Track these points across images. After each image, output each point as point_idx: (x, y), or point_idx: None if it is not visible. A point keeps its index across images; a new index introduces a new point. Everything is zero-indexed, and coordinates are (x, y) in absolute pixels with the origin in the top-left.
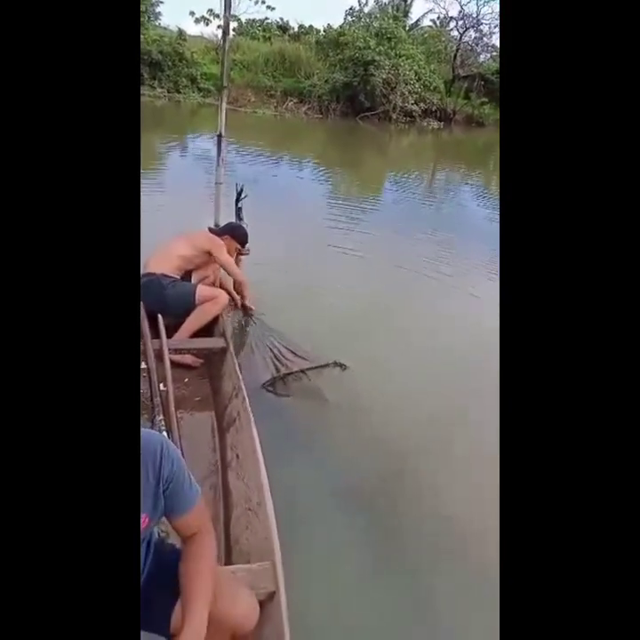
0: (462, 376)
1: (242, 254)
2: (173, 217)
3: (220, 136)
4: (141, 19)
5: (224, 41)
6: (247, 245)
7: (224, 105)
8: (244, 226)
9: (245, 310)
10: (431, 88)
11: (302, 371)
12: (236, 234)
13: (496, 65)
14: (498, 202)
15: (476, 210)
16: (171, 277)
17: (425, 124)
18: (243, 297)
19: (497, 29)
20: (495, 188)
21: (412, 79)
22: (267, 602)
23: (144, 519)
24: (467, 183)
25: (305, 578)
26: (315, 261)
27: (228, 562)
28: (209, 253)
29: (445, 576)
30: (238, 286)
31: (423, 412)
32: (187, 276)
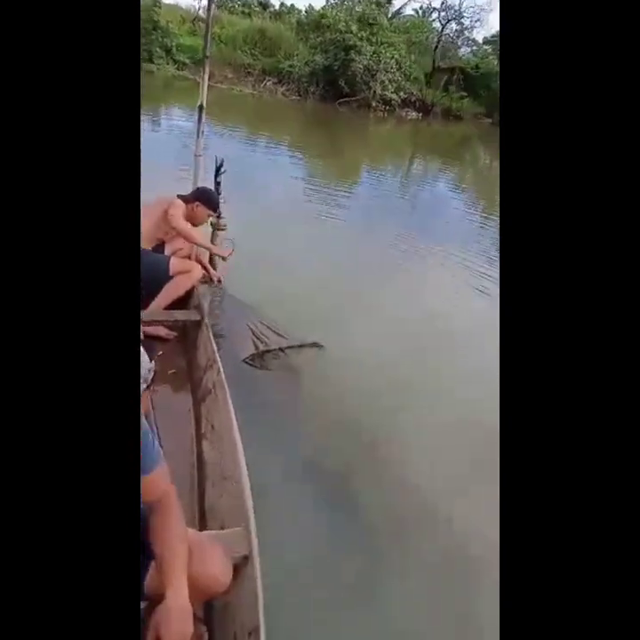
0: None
1: (218, 229)
2: (145, 193)
3: (201, 107)
4: None
5: (209, 5)
6: (224, 221)
7: (206, 75)
8: (221, 200)
9: (213, 281)
10: (411, 78)
11: (281, 349)
12: (206, 199)
13: (476, 59)
14: (469, 195)
15: (449, 203)
16: (142, 249)
17: (403, 113)
18: (209, 269)
19: (478, 24)
20: (469, 181)
21: (392, 67)
22: (241, 565)
23: None
24: (442, 176)
25: (276, 542)
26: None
27: (203, 529)
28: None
29: (406, 540)
30: (213, 259)
31: (397, 383)
32: (159, 247)
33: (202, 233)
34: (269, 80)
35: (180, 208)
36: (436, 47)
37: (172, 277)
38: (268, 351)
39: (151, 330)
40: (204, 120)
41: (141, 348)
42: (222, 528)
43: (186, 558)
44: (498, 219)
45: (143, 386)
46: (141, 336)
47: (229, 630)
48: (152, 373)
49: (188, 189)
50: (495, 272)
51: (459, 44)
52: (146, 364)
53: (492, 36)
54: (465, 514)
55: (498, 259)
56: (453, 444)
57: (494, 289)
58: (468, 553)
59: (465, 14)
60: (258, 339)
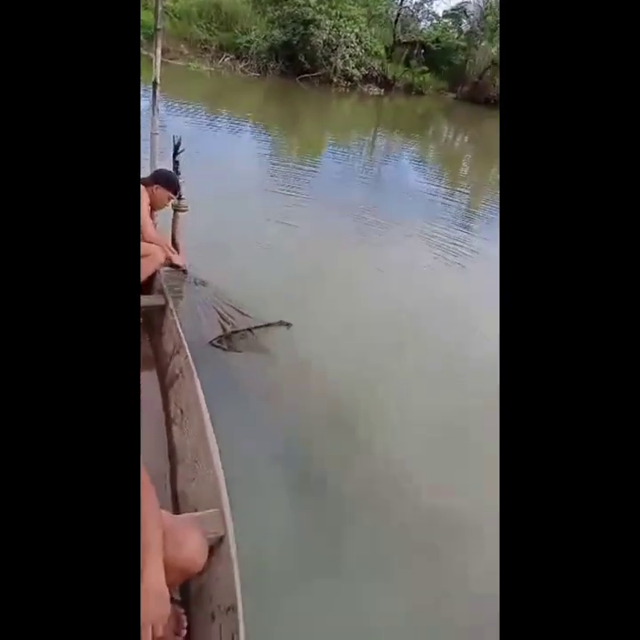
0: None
1: (179, 210)
2: None
3: (155, 83)
4: None
5: None
6: (185, 202)
7: (159, 49)
8: (180, 181)
9: (176, 268)
10: (372, 53)
11: (249, 329)
12: (166, 182)
13: (436, 33)
14: (433, 169)
15: (412, 177)
16: None
17: (365, 89)
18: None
19: None
20: (431, 156)
21: (353, 42)
22: (217, 545)
23: None
24: (405, 151)
25: (248, 523)
26: (253, 222)
27: (177, 513)
28: None
29: (375, 513)
30: (175, 242)
31: (366, 359)
32: None
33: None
34: (227, 56)
35: (144, 202)
36: (397, 20)
37: None
38: (236, 332)
39: None
40: (158, 96)
41: None
42: (196, 511)
43: (161, 541)
44: (462, 192)
45: None
46: None
47: (207, 610)
48: None
49: (145, 170)
50: (461, 244)
51: (419, 17)
52: None
53: (452, 9)
54: (441, 488)
55: (463, 230)
56: (426, 419)
57: (461, 260)
58: (443, 523)
59: None
60: (225, 320)
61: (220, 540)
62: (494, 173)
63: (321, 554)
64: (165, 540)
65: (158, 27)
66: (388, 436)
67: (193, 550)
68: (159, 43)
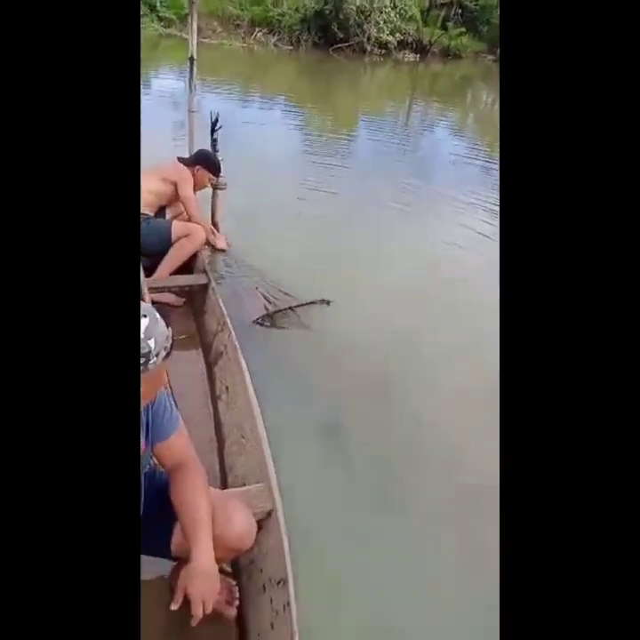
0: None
1: (218, 188)
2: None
3: (191, 59)
4: None
5: None
6: (224, 180)
7: (195, 24)
8: (219, 159)
9: (216, 250)
10: (407, 17)
11: (291, 308)
12: (207, 163)
13: None
14: (471, 138)
15: (449, 148)
16: (144, 215)
17: (400, 56)
18: (211, 237)
19: None
20: (471, 123)
21: (387, 7)
22: (265, 520)
23: (143, 445)
24: (441, 120)
25: (294, 496)
26: (289, 203)
27: (225, 489)
28: (176, 185)
29: (420, 487)
30: (215, 222)
31: (404, 340)
32: (160, 212)
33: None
34: (260, 31)
35: (189, 180)
36: None
37: (174, 242)
38: (278, 311)
39: (159, 297)
40: (195, 73)
41: (158, 316)
42: (244, 485)
43: (210, 518)
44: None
45: (163, 354)
46: (148, 303)
47: (258, 582)
48: (170, 341)
49: (184, 148)
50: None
51: None
52: (164, 331)
53: None
54: (477, 459)
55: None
56: (466, 394)
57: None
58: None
59: None
60: (267, 300)
61: (269, 514)
62: None
63: (371, 519)
64: (214, 518)
65: (193, 0)
66: (429, 406)
67: (242, 528)
68: (194, 16)
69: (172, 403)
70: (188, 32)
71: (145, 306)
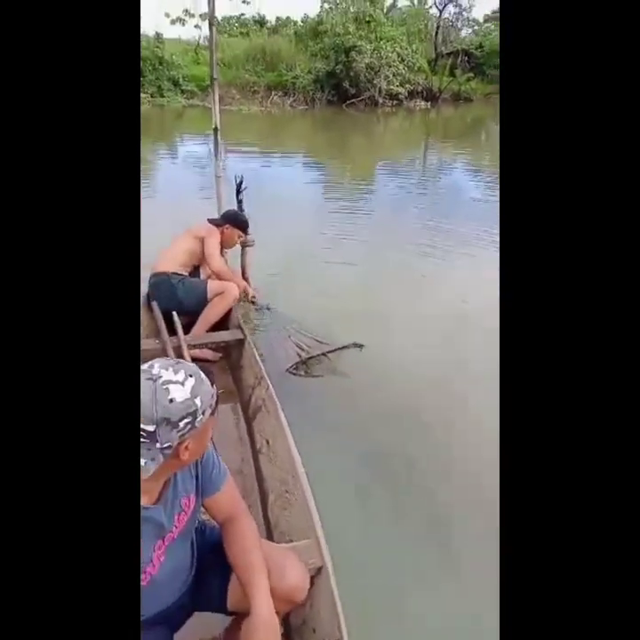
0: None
1: (247, 245)
2: (169, 219)
3: (216, 129)
4: None
5: (211, 31)
6: (252, 237)
7: (216, 96)
8: (246, 216)
9: (247, 298)
10: (415, 68)
11: (324, 353)
12: (235, 221)
13: (478, 39)
14: (489, 177)
15: (467, 187)
16: (180, 275)
17: (412, 105)
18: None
19: (476, 2)
20: (487, 162)
21: (394, 61)
22: (316, 576)
23: (192, 499)
24: (457, 161)
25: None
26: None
27: None
28: (203, 241)
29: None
30: (245, 275)
31: (438, 379)
32: (195, 271)
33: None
34: (275, 94)
35: (215, 241)
36: (437, 33)
37: (210, 300)
38: (311, 358)
39: (198, 353)
40: (220, 141)
41: (202, 375)
42: (290, 541)
43: (265, 569)
44: None
45: (208, 411)
46: (189, 359)
47: None
48: (215, 398)
49: (213, 211)
50: None
51: (459, 26)
52: (208, 389)
53: (493, 12)
54: None
55: None
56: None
57: None
58: None
59: None
60: (299, 347)
61: (319, 570)
62: None
63: (421, 569)
64: (269, 571)
65: (214, 76)
66: (471, 447)
67: (296, 578)
68: (216, 90)
69: (219, 456)
70: (211, 102)
71: (190, 366)
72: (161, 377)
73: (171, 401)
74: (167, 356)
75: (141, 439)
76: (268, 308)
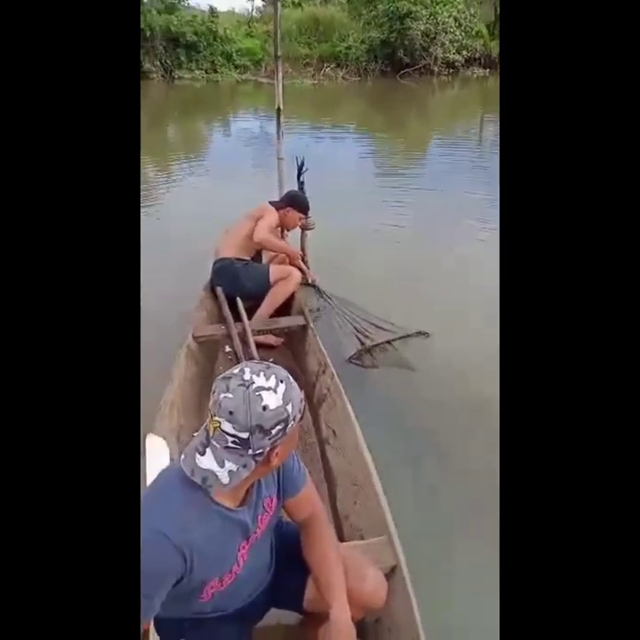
0: None
1: (307, 228)
2: (225, 199)
3: (279, 110)
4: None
5: (275, 6)
6: (312, 220)
7: (280, 75)
8: (307, 198)
9: (308, 282)
10: (473, 34)
11: (388, 341)
12: (297, 203)
13: None
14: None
15: None
16: (243, 260)
17: (469, 73)
18: (305, 270)
19: None
20: None
21: (451, 27)
22: (389, 576)
23: (274, 500)
24: None
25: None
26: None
27: (341, 539)
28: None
29: None
30: (305, 259)
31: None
32: (257, 255)
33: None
34: (328, 66)
35: (268, 218)
36: None
37: (272, 285)
38: (376, 346)
39: (261, 339)
40: (282, 122)
41: (292, 381)
42: (361, 537)
43: (343, 575)
44: None
45: (299, 416)
46: (253, 345)
47: None
48: (304, 402)
49: (271, 190)
50: None
51: None
52: (298, 394)
53: None
54: None
55: None
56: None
57: None
58: None
59: None
60: (363, 335)
61: (393, 569)
62: None
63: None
64: (346, 573)
65: (278, 53)
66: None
67: (376, 584)
68: (280, 70)
69: (298, 457)
70: (271, 78)
71: (280, 370)
72: (253, 383)
73: (264, 408)
74: (231, 342)
75: (234, 445)
76: (323, 293)
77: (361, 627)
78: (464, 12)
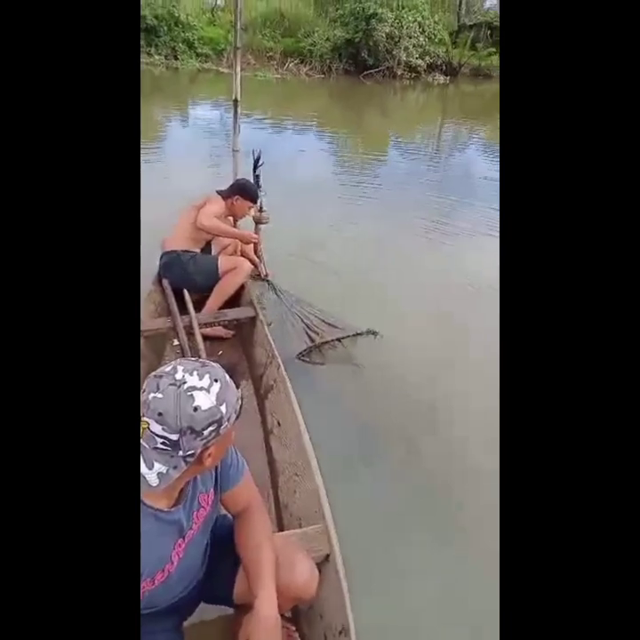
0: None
1: (261, 222)
2: (179, 189)
3: (236, 101)
4: None
5: None
6: (267, 214)
7: (239, 67)
8: (262, 194)
9: (261, 276)
10: (436, 40)
11: (338, 339)
12: (244, 191)
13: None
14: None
15: (481, 166)
16: (190, 252)
17: (430, 79)
18: (257, 263)
19: None
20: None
21: (416, 32)
22: (322, 564)
23: (211, 495)
24: (473, 139)
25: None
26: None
27: (280, 527)
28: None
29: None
30: (258, 252)
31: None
32: (207, 247)
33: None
34: (292, 61)
35: (212, 205)
36: (460, 3)
37: (221, 277)
38: (325, 343)
39: (210, 331)
40: (240, 114)
41: (228, 379)
42: (300, 526)
43: (274, 566)
44: None
45: (234, 417)
46: (201, 343)
47: (319, 630)
48: (240, 402)
49: (227, 183)
50: None
51: None
52: (234, 393)
53: None
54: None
55: None
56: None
57: None
58: None
59: None
60: (313, 331)
61: (326, 557)
62: None
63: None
64: (278, 565)
65: (238, 45)
66: (481, 440)
67: (306, 576)
68: (239, 60)
69: (236, 450)
70: (232, 68)
71: (215, 369)
72: (185, 382)
73: (195, 409)
74: (178, 335)
75: (163, 447)
76: (274, 287)
77: (294, 612)
78: (428, 19)
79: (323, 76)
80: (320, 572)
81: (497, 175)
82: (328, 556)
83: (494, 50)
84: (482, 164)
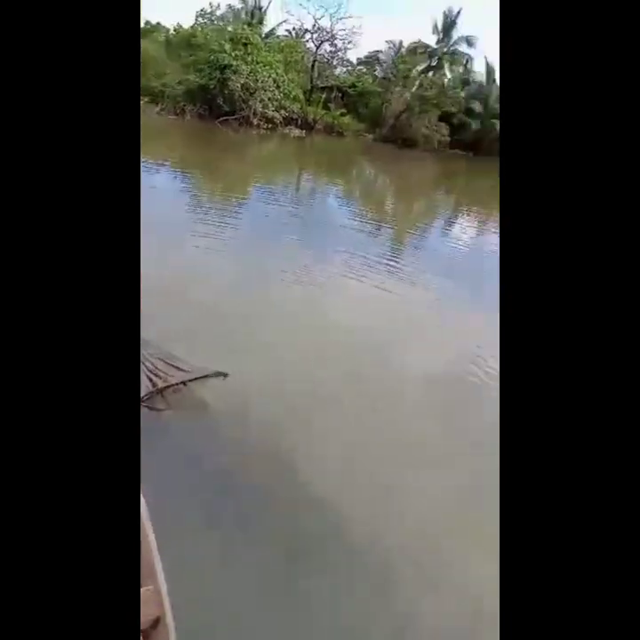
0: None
1: None
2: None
3: None
4: None
5: None
6: None
7: None
8: None
9: None
10: (291, 96)
11: (183, 382)
12: None
13: (351, 78)
14: (358, 206)
15: (338, 214)
16: None
17: (287, 131)
18: None
19: (351, 45)
20: (356, 193)
21: (270, 86)
22: (151, 629)
23: None
24: (330, 189)
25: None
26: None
27: None
28: None
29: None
30: None
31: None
32: None
33: None
34: (142, 100)
35: None
36: (313, 66)
37: None
38: (168, 386)
39: None
40: None
41: None
42: None
43: None
44: (386, 227)
45: None
46: None
47: None
48: None
49: None
50: (389, 274)
51: (334, 63)
52: None
53: (366, 57)
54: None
55: (388, 263)
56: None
57: (392, 286)
58: None
59: (337, 36)
60: (155, 375)
61: (157, 621)
62: (416, 207)
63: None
64: None
65: None
66: (335, 479)
67: None
68: None
69: None
70: None
71: None
72: None
73: None
74: None
75: None
76: None
77: None
78: (282, 76)
79: (176, 116)
80: (149, 637)
81: (354, 223)
82: (158, 619)
83: (345, 111)
84: (339, 211)
